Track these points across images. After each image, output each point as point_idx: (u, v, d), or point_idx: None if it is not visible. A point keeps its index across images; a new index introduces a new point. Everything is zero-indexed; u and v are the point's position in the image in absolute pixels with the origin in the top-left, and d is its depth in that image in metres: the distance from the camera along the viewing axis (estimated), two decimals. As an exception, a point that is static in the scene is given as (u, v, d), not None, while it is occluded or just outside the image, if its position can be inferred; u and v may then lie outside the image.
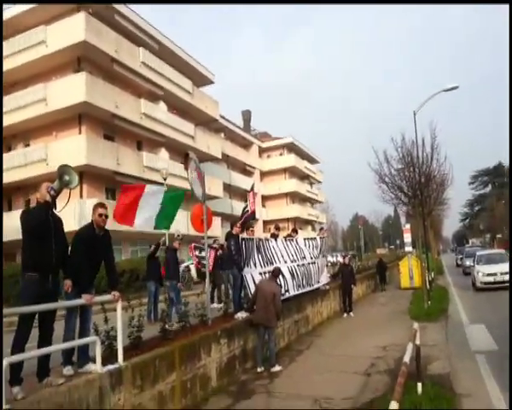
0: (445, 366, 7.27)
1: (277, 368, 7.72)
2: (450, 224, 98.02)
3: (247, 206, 10.32)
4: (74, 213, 20.10)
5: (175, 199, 9.11)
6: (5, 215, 24.16)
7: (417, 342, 5.46)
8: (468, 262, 26.60)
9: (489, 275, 17.21)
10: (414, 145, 15.50)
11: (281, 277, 10.26)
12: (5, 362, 3.63)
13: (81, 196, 23.00)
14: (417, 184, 14.86)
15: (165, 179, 23.15)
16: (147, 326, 6.49)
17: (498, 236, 67.58)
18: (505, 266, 17.03)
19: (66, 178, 4.56)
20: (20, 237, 4.44)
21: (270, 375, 7.43)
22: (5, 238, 23.01)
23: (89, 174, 23.45)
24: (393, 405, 3.02)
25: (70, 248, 4.98)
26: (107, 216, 5.07)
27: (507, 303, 13.15)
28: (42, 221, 4.38)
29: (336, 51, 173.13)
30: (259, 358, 7.82)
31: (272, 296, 7.74)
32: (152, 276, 10.85)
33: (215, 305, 10.39)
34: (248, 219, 10.01)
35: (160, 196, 8.32)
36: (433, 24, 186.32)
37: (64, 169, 4.58)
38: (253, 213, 10.24)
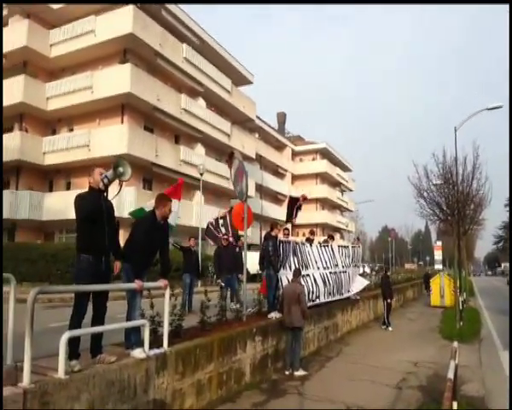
0: (479, 388, 7.15)
1: (301, 372, 7.67)
2: (482, 246, 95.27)
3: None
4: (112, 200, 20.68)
5: None
6: (46, 196, 25.13)
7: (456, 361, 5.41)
8: None
9: None
10: (454, 162, 15.24)
11: (313, 282, 10.36)
12: (66, 336, 3.84)
13: (119, 184, 23.61)
14: (456, 203, 14.61)
15: (201, 175, 23.78)
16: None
17: (533, 261, 65.01)
18: None
19: (121, 170, 4.81)
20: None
21: (302, 378, 7.48)
22: (45, 217, 24.16)
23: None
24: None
25: (130, 233, 5.21)
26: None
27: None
28: (96, 207, 4.65)
29: (376, 58, 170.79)
30: (288, 360, 7.91)
31: (296, 297, 7.76)
32: (188, 268, 11.05)
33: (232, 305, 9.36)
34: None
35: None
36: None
37: (119, 161, 4.84)
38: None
